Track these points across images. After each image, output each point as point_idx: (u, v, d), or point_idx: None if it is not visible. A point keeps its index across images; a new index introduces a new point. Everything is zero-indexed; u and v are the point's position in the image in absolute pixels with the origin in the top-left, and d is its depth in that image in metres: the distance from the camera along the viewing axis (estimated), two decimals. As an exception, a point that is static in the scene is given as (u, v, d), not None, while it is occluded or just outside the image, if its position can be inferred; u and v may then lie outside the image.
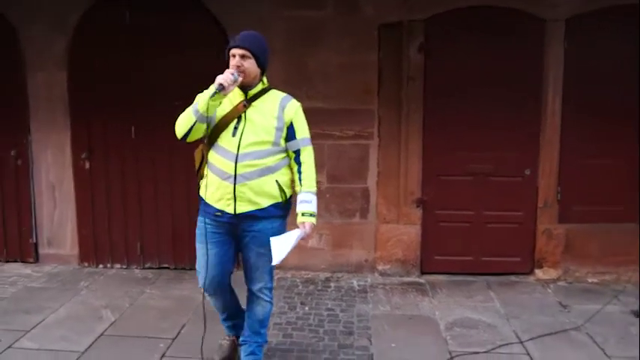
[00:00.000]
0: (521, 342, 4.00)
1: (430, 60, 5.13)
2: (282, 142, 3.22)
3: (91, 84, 5.37)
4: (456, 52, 5.12)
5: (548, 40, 5.04)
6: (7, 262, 5.69)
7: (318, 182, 5.12)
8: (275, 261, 3.15)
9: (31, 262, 5.67)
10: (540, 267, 5.28)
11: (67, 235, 5.63)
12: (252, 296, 3.41)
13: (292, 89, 4.96)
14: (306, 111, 4.86)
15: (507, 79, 5.09)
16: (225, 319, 3.60)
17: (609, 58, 5.04)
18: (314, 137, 5.04)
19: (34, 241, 5.67)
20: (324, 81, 5.17)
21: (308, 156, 3.32)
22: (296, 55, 5.15)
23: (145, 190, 5.46)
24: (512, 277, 5.29)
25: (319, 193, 5.17)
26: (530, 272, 5.32)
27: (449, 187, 5.26)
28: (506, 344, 3.96)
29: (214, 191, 3.18)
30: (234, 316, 3.58)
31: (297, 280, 5.24)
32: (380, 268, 5.38)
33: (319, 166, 5.14)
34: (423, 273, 5.38)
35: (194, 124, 3.09)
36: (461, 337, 4.10)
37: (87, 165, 5.48)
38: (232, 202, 3.15)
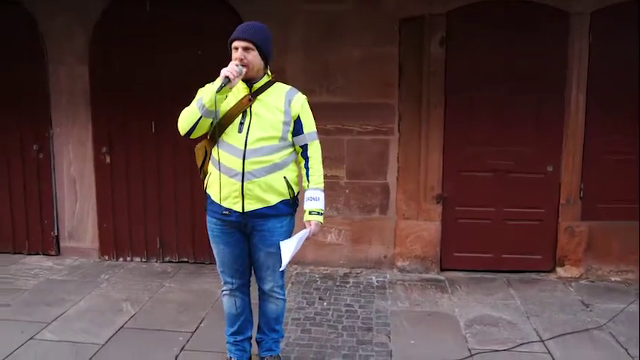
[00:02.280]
0: (542, 340, 3.95)
1: (451, 54, 5.07)
2: (290, 136, 3.13)
3: (112, 78, 5.41)
4: (477, 46, 5.06)
5: (572, 34, 4.95)
6: (29, 254, 5.76)
7: (337, 177, 5.20)
8: (282, 266, 3.12)
9: (53, 255, 5.73)
10: (562, 265, 5.21)
11: (87, 228, 5.68)
12: (264, 295, 3.37)
13: (312, 84, 5.04)
14: (325, 105, 4.92)
15: (530, 73, 5.02)
16: (234, 333, 3.43)
17: (636, 52, 4.94)
18: (333, 132, 5.13)
19: (56, 234, 5.73)
20: (344, 75, 5.14)
21: (315, 151, 3.21)
22: (316, 49, 5.13)
23: (164, 184, 5.49)
24: (533, 275, 5.23)
25: (338, 189, 5.25)
26: (552, 270, 5.25)
27: (469, 183, 5.20)
28: (527, 342, 3.91)
29: (221, 189, 3.09)
30: (245, 329, 3.44)
31: (316, 276, 5.23)
32: (399, 264, 5.34)
33: (338, 161, 5.20)
34: (442, 270, 5.34)
35: (199, 120, 3.01)
36: (481, 334, 4.05)
37: (107, 159, 5.52)
38: (240, 200, 3.07)
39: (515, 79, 5.04)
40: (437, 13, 5.01)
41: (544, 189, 5.16)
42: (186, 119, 3.05)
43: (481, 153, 5.16)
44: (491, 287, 4.98)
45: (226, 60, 3.10)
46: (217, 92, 2.92)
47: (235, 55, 3.02)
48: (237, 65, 2.96)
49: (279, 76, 3.34)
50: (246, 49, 3.01)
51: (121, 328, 4.13)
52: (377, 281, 5.13)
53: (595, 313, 4.43)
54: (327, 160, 3.29)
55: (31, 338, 3.94)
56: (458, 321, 4.29)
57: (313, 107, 3.25)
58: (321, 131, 3.29)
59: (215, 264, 3.40)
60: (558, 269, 5.22)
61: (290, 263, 3.12)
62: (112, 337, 3.98)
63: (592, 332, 4.09)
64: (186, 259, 5.56)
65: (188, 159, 5.06)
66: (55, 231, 5.73)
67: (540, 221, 5.21)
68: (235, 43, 3.03)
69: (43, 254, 5.75)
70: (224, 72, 2.93)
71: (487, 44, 5.04)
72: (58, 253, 5.76)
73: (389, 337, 4.00)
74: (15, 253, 5.77)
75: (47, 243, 5.74)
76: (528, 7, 4.96)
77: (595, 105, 5.00)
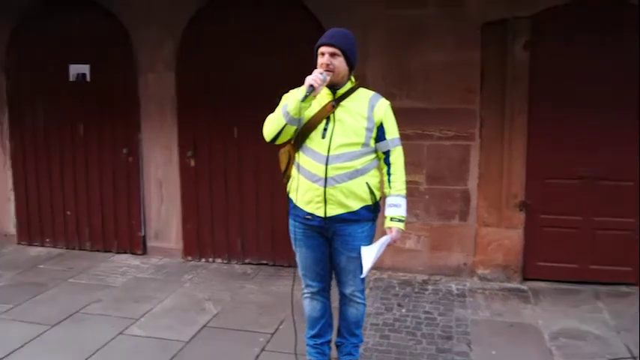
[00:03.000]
0: (634, 357, 3.76)
1: (536, 58, 4.92)
2: (372, 142, 3.14)
3: (197, 84, 5.58)
4: (564, 49, 4.89)
5: (669, 35, 4.71)
6: (118, 253, 6.02)
7: (416, 183, 5.15)
8: (364, 273, 3.14)
9: (139, 254, 5.97)
10: (655, 278, 4.95)
11: (172, 229, 5.89)
12: (344, 299, 3.39)
13: (392, 88, 5.02)
14: (405, 111, 4.89)
15: (621, 77, 4.79)
16: (314, 336, 3.45)
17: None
18: (413, 137, 5.09)
19: (143, 234, 5.98)
20: (425, 80, 5.09)
21: (398, 157, 3.21)
22: (396, 54, 5.12)
23: (245, 187, 5.61)
24: (624, 288, 4.97)
25: (418, 194, 5.20)
26: (644, 283, 5.00)
27: (555, 190, 5.03)
28: (617, 359, 3.74)
29: (303, 194, 3.14)
30: (325, 332, 3.46)
31: (394, 282, 5.20)
32: (479, 272, 5.23)
33: (418, 166, 5.15)
34: (525, 279, 5.18)
35: (284, 127, 3.06)
36: (567, 347, 3.91)
37: (192, 163, 5.70)
38: (322, 205, 3.11)
39: (605, 83, 4.82)
40: (521, 16, 4.88)
41: (635, 197, 4.92)
42: (271, 126, 3.12)
43: (568, 159, 4.97)
44: (578, 299, 4.79)
45: (308, 66, 3.15)
46: (302, 101, 2.97)
47: (321, 60, 3.07)
48: (320, 73, 3.01)
49: (360, 82, 3.36)
50: (332, 54, 3.06)
51: (204, 326, 4.26)
52: (456, 289, 5.04)
53: (692, 330, 4.19)
54: (406, 166, 3.28)
55: (120, 333, 4.13)
56: (542, 333, 4.16)
57: (393, 112, 3.24)
58: (401, 136, 3.28)
59: (294, 267, 3.45)
60: (651, 282, 4.97)
61: (368, 268, 3.14)
62: (195, 334, 4.11)
63: (689, 350, 3.86)
64: (265, 262, 5.66)
65: (269, 163, 5.17)
66: (142, 231, 5.97)
67: (631, 231, 4.96)
68: (322, 49, 3.08)
69: (131, 253, 6.00)
70: (308, 80, 2.98)
71: (575, 47, 4.86)
72: (145, 252, 5.99)
73: (469, 347, 3.93)
74: (105, 252, 6.05)
75: (135, 242, 5.99)
76: (620, 8, 4.75)
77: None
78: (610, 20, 4.79)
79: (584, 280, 5.06)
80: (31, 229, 6.27)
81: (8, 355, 3.78)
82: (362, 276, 3.18)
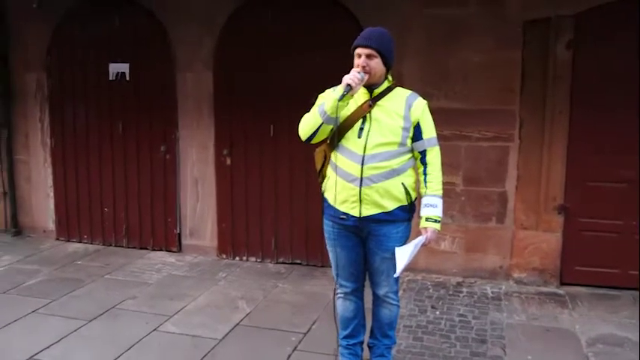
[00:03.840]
0: (676, 366, 3.65)
1: (579, 58, 4.81)
2: (409, 142, 3.12)
3: (234, 83, 5.62)
4: (608, 49, 4.76)
5: None
6: (154, 250, 6.09)
7: (453, 184, 5.09)
8: (398, 272, 3.11)
9: (175, 252, 6.03)
10: (699, 285, 4.79)
11: (207, 227, 5.94)
12: (377, 300, 3.37)
13: (430, 89, 4.97)
14: (443, 111, 4.84)
15: (667, 78, 4.66)
16: (347, 337, 3.43)
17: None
18: (451, 138, 5.03)
19: (178, 231, 6.03)
20: (463, 80, 5.02)
21: (435, 157, 3.18)
22: (435, 53, 5.06)
23: (280, 187, 5.62)
24: (665, 294, 4.84)
25: (454, 195, 5.14)
26: (687, 290, 4.84)
27: (596, 193, 4.90)
28: (658, 367, 3.64)
29: (339, 193, 3.12)
30: (357, 333, 3.44)
31: (428, 283, 5.15)
32: (515, 275, 5.14)
33: (455, 167, 5.09)
34: (562, 284, 5.07)
35: (320, 126, 3.06)
36: (604, 354, 3.82)
37: (228, 161, 5.74)
38: (357, 204, 3.09)
39: (650, 84, 4.70)
40: (564, 14, 4.77)
41: (681, 202, 4.77)
42: (307, 125, 3.12)
43: (610, 162, 4.84)
44: (616, 305, 4.67)
45: (345, 64, 3.12)
46: (339, 100, 2.95)
47: (358, 61, 3.04)
48: (358, 72, 2.98)
49: (397, 82, 3.33)
50: (369, 56, 3.03)
51: (237, 324, 4.28)
52: (492, 292, 4.96)
53: None
54: (443, 167, 3.23)
55: (154, 330, 4.17)
56: (579, 339, 4.07)
57: (430, 112, 3.21)
58: (438, 137, 3.24)
59: (327, 267, 3.44)
60: (694, 290, 4.80)
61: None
62: (228, 332, 4.13)
63: None
64: (299, 261, 5.66)
65: (304, 162, 5.17)
66: (178, 229, 6.03)
67: (675, 236, 4.82)
68: (358, 50, 3.06)
69: (166, 250, 6.06)
70: (346, 79, 2.95)
71: (620, 47, 4.72)
72: (180, 249, 6.05)
73: (504, 351, 3.87)
74: (141, 249, 6.13)
75: (170, 240, 6.06)
76: (667, 6, 4.62)
77: None
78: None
79: (624, 285, 4.92)
80: (69, 226, 6.40)
81: (46, 348, 3.86)
82: (395, 276, 3.15)
